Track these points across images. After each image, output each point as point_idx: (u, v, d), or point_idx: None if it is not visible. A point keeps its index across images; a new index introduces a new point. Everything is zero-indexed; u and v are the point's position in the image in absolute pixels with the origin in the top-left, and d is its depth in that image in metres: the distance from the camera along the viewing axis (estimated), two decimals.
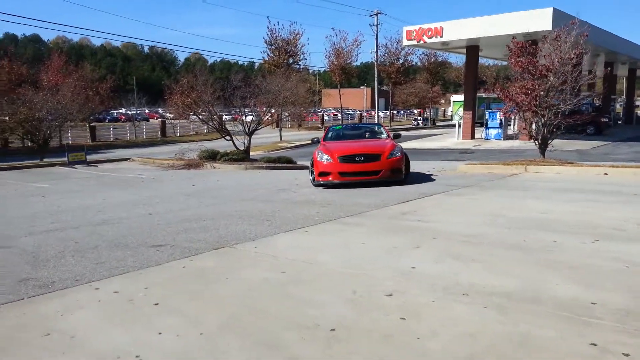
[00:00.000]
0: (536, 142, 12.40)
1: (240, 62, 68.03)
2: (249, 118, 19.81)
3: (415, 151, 19.98)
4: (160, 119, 44.16)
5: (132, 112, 50.49)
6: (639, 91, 45.92)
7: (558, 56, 11.21)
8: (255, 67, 54.05)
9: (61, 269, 4.73)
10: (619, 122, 33.70)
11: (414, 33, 24.52)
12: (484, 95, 27.38)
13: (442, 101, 70.37)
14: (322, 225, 6.40)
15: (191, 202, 8.93)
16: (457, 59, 49.79)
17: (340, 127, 14.32)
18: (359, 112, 59.33)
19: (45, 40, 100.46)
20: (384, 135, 12.05)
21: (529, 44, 13.07)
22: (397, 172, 10.18)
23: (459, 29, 23.48)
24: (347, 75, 40.62)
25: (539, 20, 20.42)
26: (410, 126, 42.70)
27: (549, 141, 12.49)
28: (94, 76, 39.85)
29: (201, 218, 7.18)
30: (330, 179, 10.12)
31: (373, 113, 47.55)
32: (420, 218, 6.62)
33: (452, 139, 25.66)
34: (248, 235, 5.91)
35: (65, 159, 18.85)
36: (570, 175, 10.53)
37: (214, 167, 16.91)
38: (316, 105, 41.43)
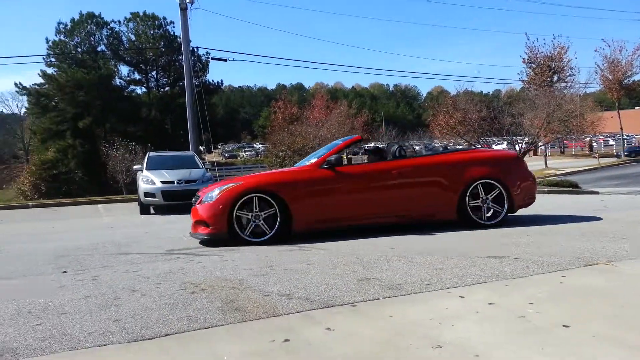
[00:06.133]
0: None
1: (484, 92, 65.19)
2: (500, 147, 18.15)
3: None
4: None
5: (381, 145, 52.82)
6: None
7: None
8: (502, 95, 50.77)
9: (397, 272, 4.00)
10: None
11: None
12: None
13: None
14: None
15: None
16: None
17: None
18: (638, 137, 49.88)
19: (307, 87, 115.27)
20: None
21: None
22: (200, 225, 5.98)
23: None
24: (628, 91, 34.32)
25: None
26: None
27: None
28: (350, 112, 43.02)
29: (525, 234, 5.86)
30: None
31: None
32: None
33: None
34: (615, 255, 4.33)
35: None
36: None
37: None
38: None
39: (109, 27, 41.62)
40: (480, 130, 17.21)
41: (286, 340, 2.56)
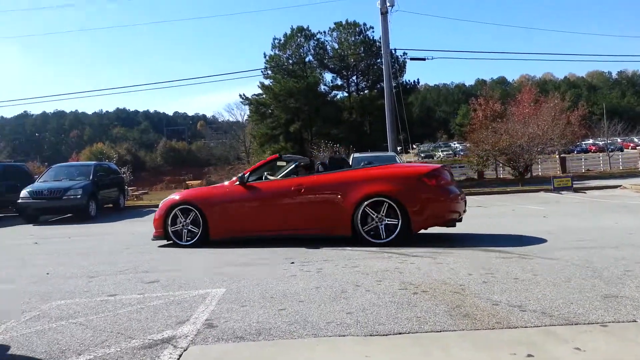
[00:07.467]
0: None
1: None
2: None
3: None
4: (638, 148, 38.41)
5: (603, 142, 46.25)
6: None
7: None
8: None
9: None
10: None
11: None
12: None
13: None
14: None
15: None
16: None
17: None
18: None
19: (510, 81, 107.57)
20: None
21: None
22: None
23: None
24: None
25: None
26: None
27: None
28: (563, 106, 38.64)
29: None
30: None
31: None
32: None
33: None
34: None
35: (549, 185, 18.25)
36: None
37: None
38: None
39: (315, 38, 45.11)
40: None
41: (530, 355, 2.37)
